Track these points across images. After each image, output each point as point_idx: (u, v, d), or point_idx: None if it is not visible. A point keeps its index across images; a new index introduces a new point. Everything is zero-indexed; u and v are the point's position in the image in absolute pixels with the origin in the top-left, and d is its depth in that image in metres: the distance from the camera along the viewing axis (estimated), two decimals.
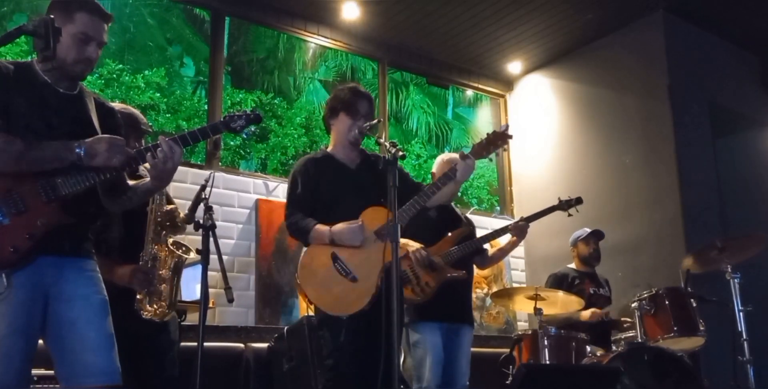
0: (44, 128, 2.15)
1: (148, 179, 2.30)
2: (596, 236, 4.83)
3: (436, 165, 3.98)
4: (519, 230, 3.93)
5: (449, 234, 3.69)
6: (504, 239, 4.13)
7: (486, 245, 4.00)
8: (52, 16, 1.90)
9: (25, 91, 2.16)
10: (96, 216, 2.30)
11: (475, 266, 4.07)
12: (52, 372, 2.87)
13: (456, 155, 3.91)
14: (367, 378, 2.78)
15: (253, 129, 2.38)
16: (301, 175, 3.08)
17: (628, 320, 4.41)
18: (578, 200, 4.15)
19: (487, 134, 3.02)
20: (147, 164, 2.21)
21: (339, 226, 2.89)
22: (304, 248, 3.02)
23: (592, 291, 4.68)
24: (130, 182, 2.39)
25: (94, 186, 2.19)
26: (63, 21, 2.18)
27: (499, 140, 2.99)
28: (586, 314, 4.47)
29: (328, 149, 3.20)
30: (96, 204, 2.27)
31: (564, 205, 4.13)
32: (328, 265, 2.89)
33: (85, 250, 2.25)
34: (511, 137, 3.04)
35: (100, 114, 2.34)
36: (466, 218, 4.08)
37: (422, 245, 3.50)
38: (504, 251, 4.13)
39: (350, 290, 2.87)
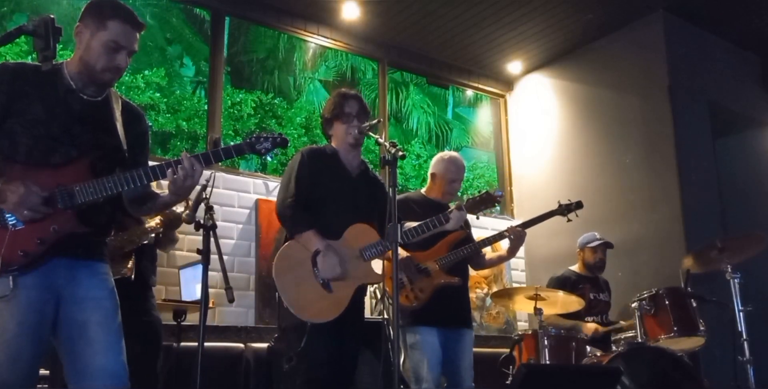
0: (65, 135, 2.14)
1: (167, 191, 2.29)
2: (606, 246, 4.80)
3: (435, 165, 3.88)
4: (517, 236, 3.77)
5: (445, 238, 3.59)
6: (506, 243, 4.06)
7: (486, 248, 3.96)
8: (52, 16, 1.89)
9: (45, 97, 2.15)
10: (108, 227, 2.30)
11: (470, 268, 4.02)
12: (47, 372, 2.90)
13: (455, 154, 3.95)
14: (338, 384, 2.81)
15: (277, 152, 2.35)
16: (310, 162, 3.04)
17: (624, 323, 4.40)
18: (578, 205, 3.98)
19: (480, 191, 3.40)
20: (167, 180, 2.20)
21: (329, 255, 2.87)
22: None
23: (592, 297, 4.67)
24: (157, 191, 2.39)
25: (111, 197, 2.17)
26: (95, 28, 2.18)
27: (489, 201, 3.37)
28: (589, 329, 4.44)
29: (335, 146, 3.19)
30: (109, 215, 2.25)
31: (563, 210, 3.97)
32: (307, 266, 2.87)
33: (99, 253, 2.24)
34: (499, 201, 3.51)
35: (126, 120, 2.32)
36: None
37: (409, 255, 3.45)
38: (502, 259, 4.06)
39: (322, 297, 2.85)
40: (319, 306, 2.85)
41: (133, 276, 3.22)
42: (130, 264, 3.21)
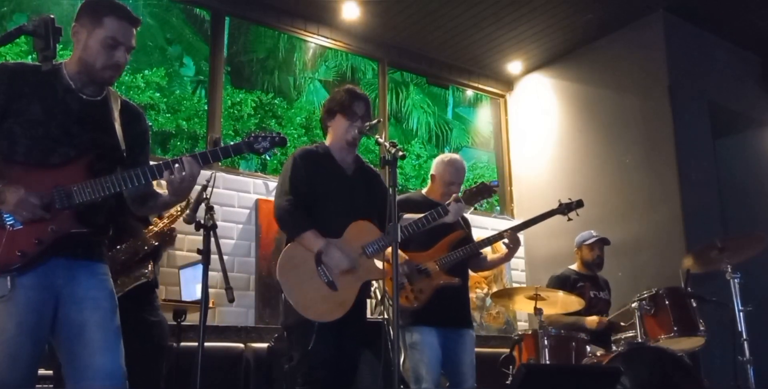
0: (63, 135, 2.14)
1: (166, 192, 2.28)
2: (602, 242, 4.80)
3: (435, 167, 3.88)
4: (512, 241, 3.74)
5: (445, 238, 3.58)
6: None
7: (487, 248, 3.95)
8: (52, 16, 1.89)
9: (44, 98, 2.14)
10: (106, 227, 2.29)
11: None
12: (50, 372, 2.90)
13: (456, 156, 3.94)
14: (339, 385, 2.80)
15: (276, 151, 2.33)
16: (304, 164, 3.04)
17: (624, 324, 4.40)
18: (579, 204, 3.94)
19: (476, 182, 3.42)
20: (164, 180, 2.20)
21: (332, 251, 2.88)
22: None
23: (592, 295, 4.66)
24: (159, 190, 2.38)
25: (109, 197, 2.17)
26: (92, 26, 2.18)
27: (486, 192, 3.39)
28: (592, 321, 4.44)
29: (328, 144, 3.19)
30: (107, 216, 2.25)
31: (564, 209, 3.93)
32: (311, 266, 2.87)
33: (98, 254, 2.23)
34: (496, 191, 3.47)
35: (125, 119, 2.31)
36: (463, 219, 4.01)
37: (408, 258, 3.44)
38: (501, 260, 4.03)
39: (328, 296, 2.85)
40: (324, 305, 2.84)
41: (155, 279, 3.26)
42: (150, 267, 3.23)
